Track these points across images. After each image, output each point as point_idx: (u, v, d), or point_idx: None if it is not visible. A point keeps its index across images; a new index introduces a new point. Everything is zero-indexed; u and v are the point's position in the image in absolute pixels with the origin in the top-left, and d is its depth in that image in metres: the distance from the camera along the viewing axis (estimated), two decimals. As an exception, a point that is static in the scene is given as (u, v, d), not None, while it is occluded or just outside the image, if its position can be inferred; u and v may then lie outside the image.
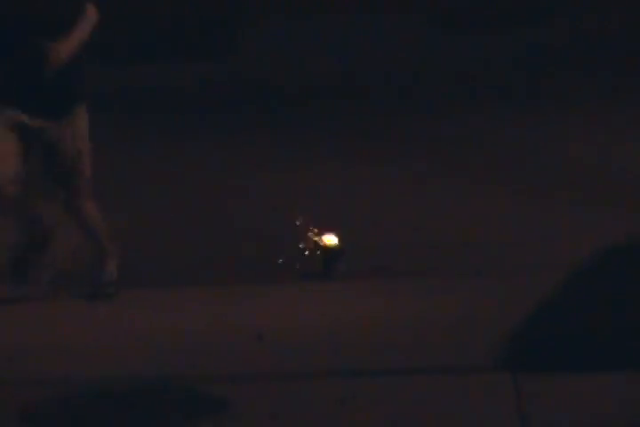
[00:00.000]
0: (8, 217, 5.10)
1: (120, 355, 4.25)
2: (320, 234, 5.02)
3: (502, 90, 8.06)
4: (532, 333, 4.49)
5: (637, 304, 4.53)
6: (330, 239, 4.96)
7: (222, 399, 3.91)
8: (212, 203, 5.82)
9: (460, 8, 10.62)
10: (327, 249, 4.95)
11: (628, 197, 5.76)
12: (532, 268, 4.96)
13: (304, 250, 4.94)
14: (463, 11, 10.60)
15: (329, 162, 6.33)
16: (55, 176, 4.65)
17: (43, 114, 4.51)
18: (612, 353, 4.34)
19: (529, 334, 4.48)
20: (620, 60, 8.63)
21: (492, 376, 4.17)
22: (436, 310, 4.64)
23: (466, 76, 8.34)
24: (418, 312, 4.62)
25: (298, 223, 5.03)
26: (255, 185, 6.07)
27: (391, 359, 4.31)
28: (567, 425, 3.90)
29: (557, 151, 6.58)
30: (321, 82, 8.32)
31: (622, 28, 9.57)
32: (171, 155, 6.78)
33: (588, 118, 7.15)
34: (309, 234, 5.02)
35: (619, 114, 7.34)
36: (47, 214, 5.23)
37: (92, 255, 4.94)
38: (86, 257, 5.10)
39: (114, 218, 5.09)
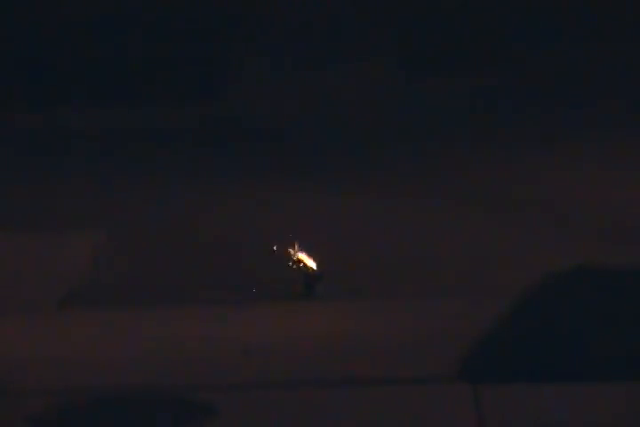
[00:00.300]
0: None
1: (118, 366, 4.39)
2: (299, 260, 5.27)
3: (483, 126, 8.20)
4: (492, 348, 4.67)
5: (591, 321, 4.75)
6: (310, 263, 5.24)
7: (210, 406, 4.18)
8: (199, 229, 6.05)
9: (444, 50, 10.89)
10: (307, 272, 5.22)
11: (593, 223, 5.99)
12: (495, 288, 5.16)
13: (287, 272, 5.18)
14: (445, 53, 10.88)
15: (314, 193, 6.52)
16: None
17: None
18: (568, 365, 4.52)
19: (489, 348, 4.65)
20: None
21: (453, 387, 4.33)
22: (406, 327, 4.81)
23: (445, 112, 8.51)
24: (388, 329, 4.78)
25: (275, 249, 5.24)
26: (242, 212, 6.27)
27: (362, 370, 4.45)
28: None
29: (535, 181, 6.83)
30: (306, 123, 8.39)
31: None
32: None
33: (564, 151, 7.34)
34: (293, 257, 5.25)
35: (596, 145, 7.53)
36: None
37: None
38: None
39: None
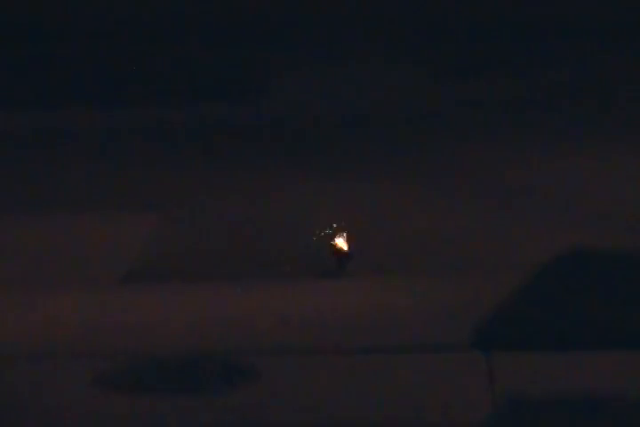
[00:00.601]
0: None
1: (175, 333, 4.72)
2: (332, 239, 5.52)
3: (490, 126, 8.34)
4: (505, 318, 4.91)
5: (595, 296, 5.01)
6: (340, 243, 5.51)
7: (254, 367, 4.40)
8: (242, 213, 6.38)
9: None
10: (337, 251, 5.50)
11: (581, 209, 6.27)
12: (506, 266, 5.45)
13: (319, 252, 5.47)
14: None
15: (341, 184, 6.77)
16: None
17: None
18: (578, 335, 4.74)
19: (502, 319, 4.89)
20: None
21: (467, 354, 4.55)
22: (424, 302, 5.09)
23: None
24: (409, 302, 5.04)
25: (316, 233, 5.51)
26: (278, 202, 6.58)
27: (386, 339, 4.73)
28: (535, 397, 4.20)
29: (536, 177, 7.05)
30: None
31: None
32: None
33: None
34: (326, 236, 5.53)
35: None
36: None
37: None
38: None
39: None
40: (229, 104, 8.98)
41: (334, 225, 5.64)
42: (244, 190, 6.89)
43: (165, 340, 4.73)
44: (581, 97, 8.84)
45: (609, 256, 5.51)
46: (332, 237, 5.55)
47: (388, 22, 11.10)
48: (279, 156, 7.66)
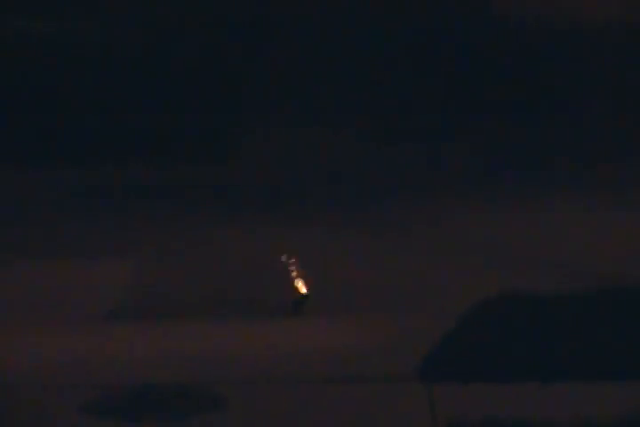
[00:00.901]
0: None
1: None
2: (296, 282, 5.84)
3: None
4: (447, 353, 5.16)
5: (522, 333, 5.29)
6: (301, 286, 5.82)
7: (218, 397, 4.64)
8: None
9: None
10: (298, 293, 5.80)
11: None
12: (442, 308, 5.68)
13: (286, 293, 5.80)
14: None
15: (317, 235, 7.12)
16: None
17: None
18: (516, 368, 5.04)
19: (444, 353, 5.15)
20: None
21: (410, 385, 4.82)
22: (371, 337, 5.34)
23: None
24: (360, 339, 5.30)
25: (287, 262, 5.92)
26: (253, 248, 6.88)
27: (335, 371, 4.98)
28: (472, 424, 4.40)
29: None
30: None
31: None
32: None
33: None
34: (293, 279, 5.84)
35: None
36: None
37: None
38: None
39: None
40: (200, 164, 9.21)
41: (293, 269, 5.96)
42: (215, 238, 7.18)
43: (143, 371, 4.97)
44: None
45: (533, 298, 5.72)
46: (292, 279, 5.87)
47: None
48: (247, 210, 7.93)
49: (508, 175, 8.83)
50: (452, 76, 10.40)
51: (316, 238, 7.10)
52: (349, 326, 5.44)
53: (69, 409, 4.48)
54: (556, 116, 10.18)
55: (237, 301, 5.94)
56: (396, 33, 11.09)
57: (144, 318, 5.80)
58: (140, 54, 10.94)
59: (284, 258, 5.92)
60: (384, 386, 4.75)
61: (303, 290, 5.76)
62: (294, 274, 5.84)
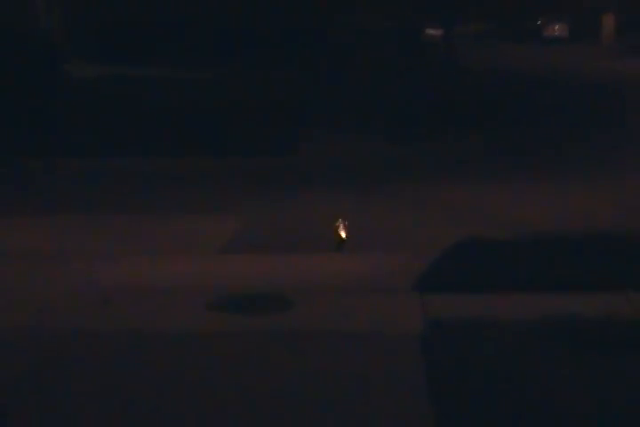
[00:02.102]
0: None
1: None
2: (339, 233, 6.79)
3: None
4: (434, 274, 5.81)
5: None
6: (342, 234, 6.79)
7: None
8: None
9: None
10: (340, 238, 6.75)
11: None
12: (433, 246, 6.37)
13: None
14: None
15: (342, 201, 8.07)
16: None
17: None
18: (485, 282, 5.52)
19: (432, 274, 5.82)
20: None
21: (407, 294, 5.51)
22: (383, 266, 6.02)
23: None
24: (374, 267, 6.02)
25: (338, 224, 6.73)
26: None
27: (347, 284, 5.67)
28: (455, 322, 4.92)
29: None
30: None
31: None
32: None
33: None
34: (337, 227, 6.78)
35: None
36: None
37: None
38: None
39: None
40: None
41: (339, 224, 6.84)
42: (288, 202, 8.14)
43: (243, 283, 5.76)
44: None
45: (490, 240, 6.54)
46: (335, 229, 6.82)
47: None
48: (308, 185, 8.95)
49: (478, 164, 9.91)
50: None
51: (351, 204, 8.01)
52: (367, 259, 6.36)
53: (196, 307, 5.35)
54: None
55: (304, 241, 6.85)
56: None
57: (244, 251, 6.69)
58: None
59: (337, 220, 6.76)
60: (389, 295, 5.50)
61: (343, 236, 6.75)
62: (339, 226, 6.74)
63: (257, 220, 7.49)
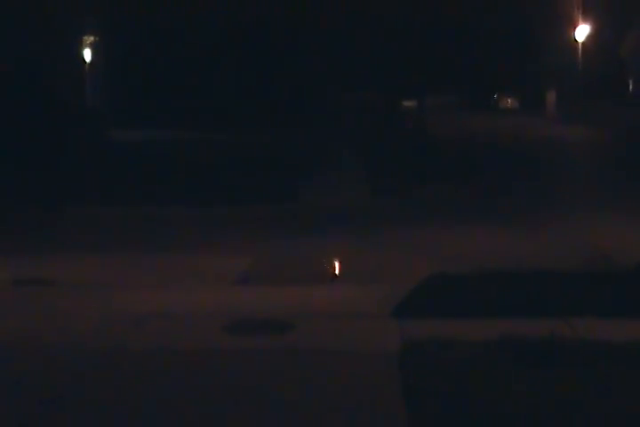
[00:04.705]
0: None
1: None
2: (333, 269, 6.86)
3: None
4: (410, 303, 5.68)
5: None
6: (335, 270, 6.91)
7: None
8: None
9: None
10: (333, 273, 6.83)
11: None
12: (406, 280, 6.23)
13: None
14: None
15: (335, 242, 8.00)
16: None
17: None
18: (456, 309, 5.42)
19: (408, 303, 5.70)
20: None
21: (385, 319, 5.44)
22: (365, 296, 5.95)
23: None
24: (358, 296, 5.98)
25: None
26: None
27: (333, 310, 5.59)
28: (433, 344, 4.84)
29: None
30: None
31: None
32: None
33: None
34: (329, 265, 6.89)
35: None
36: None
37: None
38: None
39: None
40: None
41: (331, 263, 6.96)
42: (286, 243, 8.04)
43: (248, 310, 5.66)
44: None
45: (456, 276, 6.42)
46: (329, 266, 6.95)
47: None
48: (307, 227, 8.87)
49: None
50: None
51: (342, 244, 7.93)
52: (354, 289, 6.32)
53: (213, 329, 5.25)
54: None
55: (303, 275, 6.75)
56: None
57: (253, 283, 6.64)
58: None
59: (326, 260, 6.87)
60: (372, 319, 5.46)
61: (336, 270, 6.82)
62: (332, 263, 6.84)
63: (264, 257, 7.45)
